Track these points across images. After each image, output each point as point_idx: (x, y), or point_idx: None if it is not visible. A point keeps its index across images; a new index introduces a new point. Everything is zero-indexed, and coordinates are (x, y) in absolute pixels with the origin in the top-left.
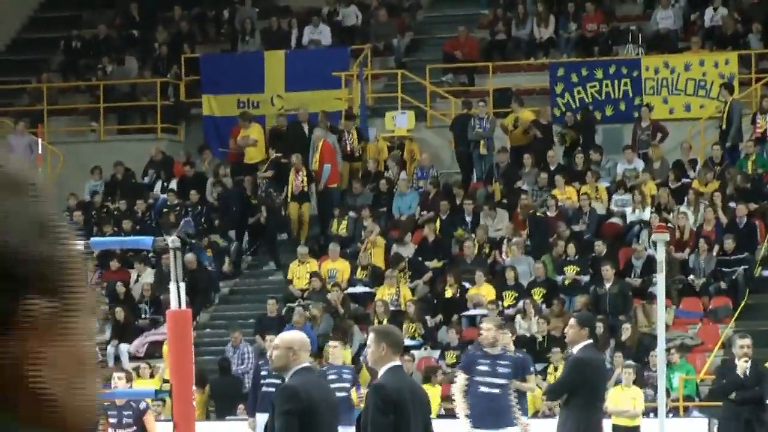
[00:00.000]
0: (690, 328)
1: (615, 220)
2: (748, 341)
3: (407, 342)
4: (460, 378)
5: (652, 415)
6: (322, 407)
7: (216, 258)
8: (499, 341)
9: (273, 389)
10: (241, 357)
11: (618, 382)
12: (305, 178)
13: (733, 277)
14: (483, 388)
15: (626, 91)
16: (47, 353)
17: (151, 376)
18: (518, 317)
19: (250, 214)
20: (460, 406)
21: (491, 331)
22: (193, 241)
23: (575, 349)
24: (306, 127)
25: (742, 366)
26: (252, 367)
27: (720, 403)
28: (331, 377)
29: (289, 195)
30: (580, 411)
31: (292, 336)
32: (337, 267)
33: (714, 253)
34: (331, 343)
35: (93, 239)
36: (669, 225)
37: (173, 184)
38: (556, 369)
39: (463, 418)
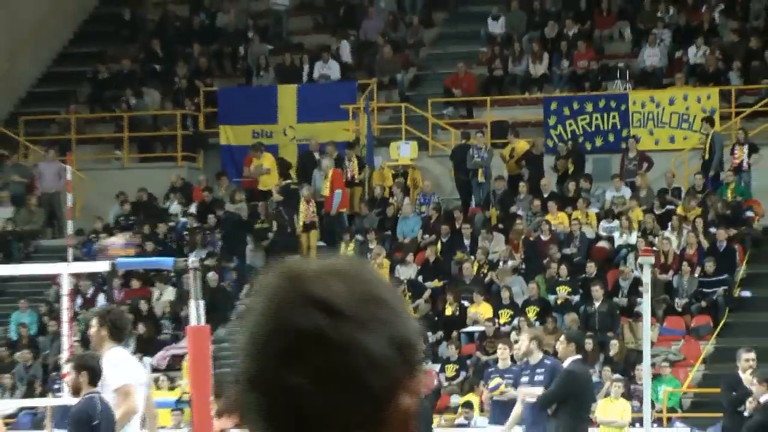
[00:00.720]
0: (673, 345)
1: (603, 243)
2: (753, 354)
3: None
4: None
5: (638, 425)
6: None
7: (237, 278)
8: (533, 351)
9: None
10: None
11: (607, 394)
12: (315, 209)
13: (714, 297)
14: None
15: (614, 124)
16: None
17: (171, 388)
18: (513, 333)
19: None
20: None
21: (525, 342)
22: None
23: (565, 363)
24: (317, 156)
25: (748, 378)
26: None
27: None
28: None
29: (301, 225)
30: (568, 419)
31: None
32: None
33: (696, 275)
34: None
35: (119, 260)
36: (654, 249)
37: (192, 209)
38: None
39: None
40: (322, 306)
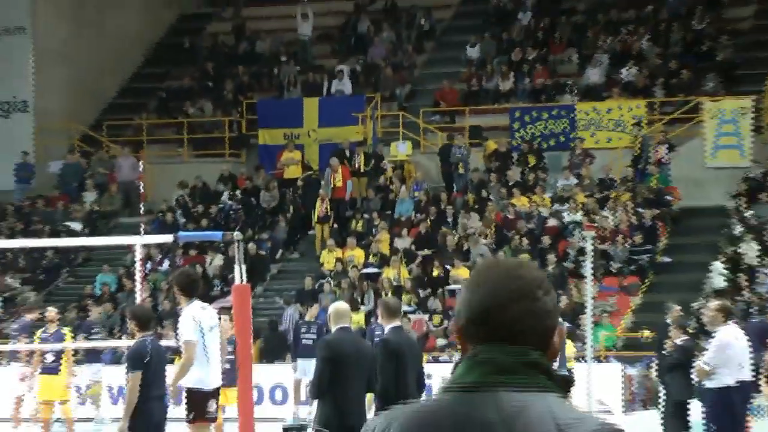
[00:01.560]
0: (609, 299)
1: (555, 221)
2: (678, 308)
3: (405, 308)
4: None
5: (581, 360)
6: (350, 357)
7: (271, 247)
8: None
9: (310, 342)
10: (287, 318)
11: None
12: (328, 206)
13: (641, 262)
14: None
15: (564, 128)
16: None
17: None
18: None
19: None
20: None
21: None
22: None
23: None
24: (347, 153)
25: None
26: (293, 326)
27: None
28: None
29: (315, 218)
30: None
31: (331, 307)
32: (355, 254)
33: (627, 245)
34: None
35: (180, 233)
36: (595, 225)
37: (237, 194)
38: None
39: None
40: (523, 279)
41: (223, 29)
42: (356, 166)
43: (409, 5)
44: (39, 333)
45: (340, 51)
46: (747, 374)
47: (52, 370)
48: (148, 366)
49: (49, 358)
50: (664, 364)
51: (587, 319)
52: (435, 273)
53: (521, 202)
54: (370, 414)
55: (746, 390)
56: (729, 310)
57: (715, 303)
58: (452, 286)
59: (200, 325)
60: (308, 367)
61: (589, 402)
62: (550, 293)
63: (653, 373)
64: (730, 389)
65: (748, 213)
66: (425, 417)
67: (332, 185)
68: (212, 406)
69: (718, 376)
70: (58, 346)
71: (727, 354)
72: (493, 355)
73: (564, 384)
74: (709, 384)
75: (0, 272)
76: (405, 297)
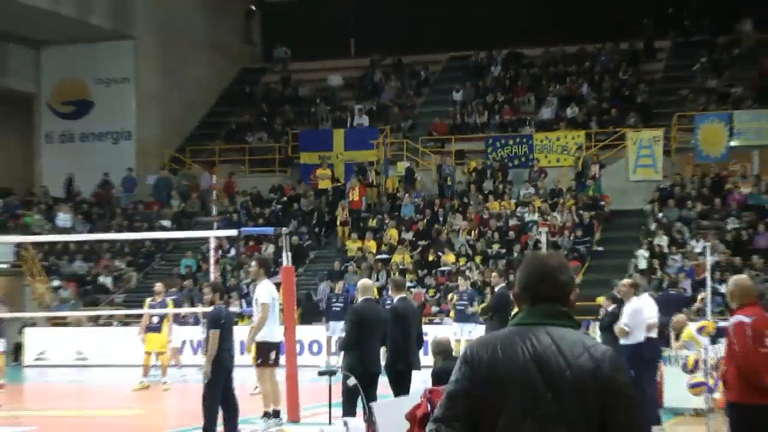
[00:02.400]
0: None
1: (518, 221)
2: (627, 281)
3: (408, 284)
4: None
5: None
6: (371, 320)
7: (308, 239)
8: (463, 284)
9: (338, 308)
10: (321, 291)
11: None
12: (348, 213)
13: (581, 251)
14: None
15: (525, 152)
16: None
17: None
18: (467, 272)
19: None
20: None
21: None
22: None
23: (497, 288)
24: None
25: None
26: (325, 297)
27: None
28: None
29: (339, 222)
30: (499, 324)
31: (359, 283)
32: (371, 244)
33: (571, 238)
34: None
35: (243, 228)
36: (547, 223)
37: (284, 200)
38: (484, 300)
39: None
40: (551, 264)
41: (274, 79)
42: (370, 179)
43: (410, 62)
44: (148, 301)
45: (360, 95)
46: (654, 334)
47: (156, 329)
48: (223, 326)
49: (155, 320)
50: (600, 325)
51: None
52: (430, 258)
53: (493, 206)
54: (382, 362)
55: (654, 345)
56: (637, 285)
57: (626, 281)
58: (443, 268)
59: (272, 294)
60: (337, 328)
61: None
62: (568, 271)
63: (591, 332)
64: (641, 345)
65: (660, 214)
66: (507, 338)
67: (350, 199)
68: (273, 354)
69: (633, 335)
70: (162, 311)
71: (638, 318)
72: (540, 308)
73: (578, 325)
74: (624, 341)
75: (111, 257)
76: (408, 276)
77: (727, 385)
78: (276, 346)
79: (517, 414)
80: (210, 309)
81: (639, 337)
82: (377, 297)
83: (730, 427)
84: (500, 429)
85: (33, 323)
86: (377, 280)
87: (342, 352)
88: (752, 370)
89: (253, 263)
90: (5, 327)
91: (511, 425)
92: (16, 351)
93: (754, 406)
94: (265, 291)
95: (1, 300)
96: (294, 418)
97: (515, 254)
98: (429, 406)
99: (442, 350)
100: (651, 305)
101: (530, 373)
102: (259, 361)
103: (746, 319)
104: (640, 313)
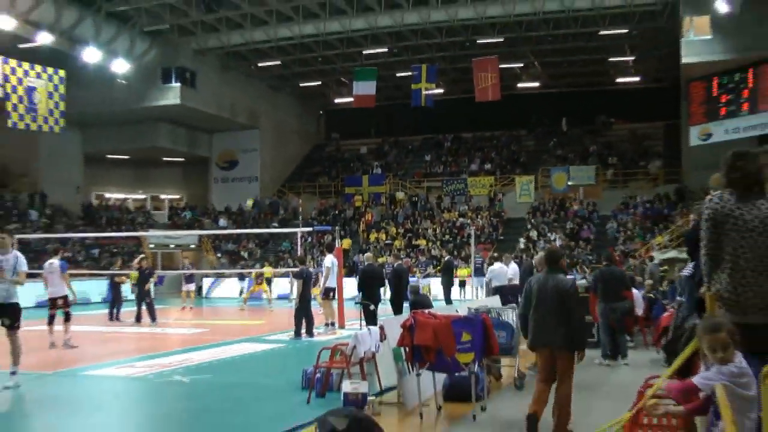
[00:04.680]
0: (480, 253)
1: (458, 224)
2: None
3: (402, 256)
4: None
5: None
6: (372, 275)
7: (348, 233)
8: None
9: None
10: (355, 260)
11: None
12: (366, 225)
13: (493, 239)
14: None
15: (463, 187)
16: None
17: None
18: (432, 250)
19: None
20: None
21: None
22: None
23: (444, 259)
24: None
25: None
26: (357, 263)
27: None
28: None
29: (364, 226)
30: (447, 278)
31: (365, 256)
32: (381, 236)
33: (487, 233)
34: (368, 256)
35: (315, 227)
36: (474, 224)
37: (336, 212)
38: (436, 266)
39: None
40: (556, 251)
41: (331, 150)
42: (382, 201)
43: (403, 140)
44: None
45: (376, 157)
46: (516, 281)
47: (267, 282)
48: (305, 279)
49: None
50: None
51: (472, 259)
52: (414, 243)
53: (446, 215)
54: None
55: (514, 288)
56: (508, 257)
57: (541, 254)
58: (420, 248)
59: (333, 261)
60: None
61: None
62: (561, 253)
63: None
64: (505, 286)
65: (532, 220)
66: (542, 277)
67: (366, 218)
68: (332, 293)
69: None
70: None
71: (503, 273)
72: (551, 267)
73: (565, 273)
74: (497, 283)
75: (247, 242)
76: (402, 252)
77: None
78: (333, 289)
79: (538, 304)
80: (298, 269)
81: (504, 282)
82: (383, 264)
83: None
84: (533, 308)
85: (206, 276)
86: (383, 255)
87: (360, 292)
88: None
89: (326, 250)
90: (195, 278)
91: (537, 307)
92: (198, 291)
93: None
94: (328, 260)
95: (191, 263)
96: (342, 325)
97: (458, 240)
98: (412, 320)
99: (415, 291)
100: (514, 268)
101: (546, 289)
102: (323, 295)
103: None
104: (505, 271)
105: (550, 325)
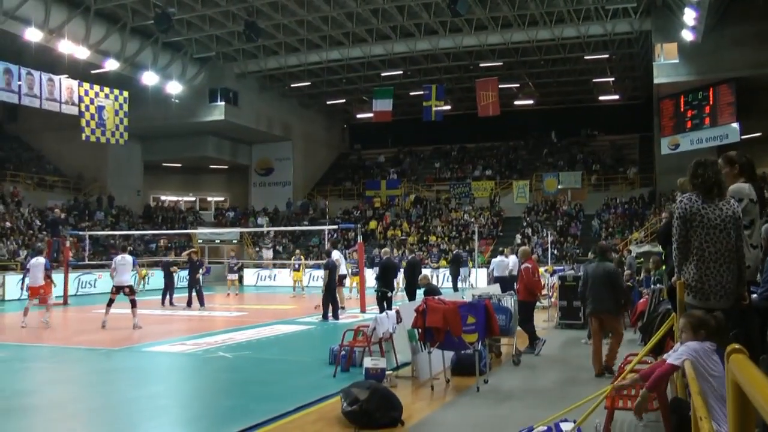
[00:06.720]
0: (483, 247)
1: (464, 222)
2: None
3: (414, 249)
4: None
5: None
6: (389, 266)
7: (368, 230)
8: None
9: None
10: (373, 255)
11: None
12: (381, 225)
13: (494, 235)
14: None
15: (467, 190)
16: None
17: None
18: (441, 245)
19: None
20: None
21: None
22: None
23: (454, 252)
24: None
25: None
26: (376, 256)
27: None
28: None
29: (382, 228)
30: (455, 268)
31: (383, 251)
32: (397, 233)
33: (488, 230)
34: (386, 250)
35: (341, 224)
36: (477, 223)
37: (357, 212)
38: (443, 259)
39: None
40: (604, 245)
41: (354, 157)
42: (396, 202)
43: (415, 150)
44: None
45: (393, 165)
46: (516, 273)
47: (296, 269)
48: (331, 269)
49: (296, 265)
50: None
51: (475, 251)
52: (424, 239)
53: (453, 215)
54: (401, 285)
55: (512, 279)
56: (512, 250)
57: (523, 247)
58: (430, 243)
59: (339, 255)
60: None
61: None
62: (609, 248)
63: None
64: (505, 278)
65: (528, 218)
66: (595, 264)
67: (384, 220)
68: (345, 280)
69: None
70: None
71: (504, 264)
72: (600, 257)
73: (611, 261)
74: (497, 274)
75: (281, 237)
76: (415, 246)
77: (520, 294)
78: (344, 276)
79: (593, 284)
80: (325, 262)
81: (505, 274)
82: (398, 255)
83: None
84: (589, 287)
85: (246, 266)
86: (398, 249)
87: (378, 282)
88: (532, 286)
89: (331, 246)
90: (236, 268)
91: (593, 286)
92: (240, 280)
93: (529, 302)
94: (335, 254)
95: (236, 254)
96: (363, 310)
97: (463, 236)
98: (425, 305)
99: (427, 281)
100: (513, 259)
101: (597, 273)
102: (337, 282)
103: (529, 265)
104: (506, 263)
105: (602, 297)
